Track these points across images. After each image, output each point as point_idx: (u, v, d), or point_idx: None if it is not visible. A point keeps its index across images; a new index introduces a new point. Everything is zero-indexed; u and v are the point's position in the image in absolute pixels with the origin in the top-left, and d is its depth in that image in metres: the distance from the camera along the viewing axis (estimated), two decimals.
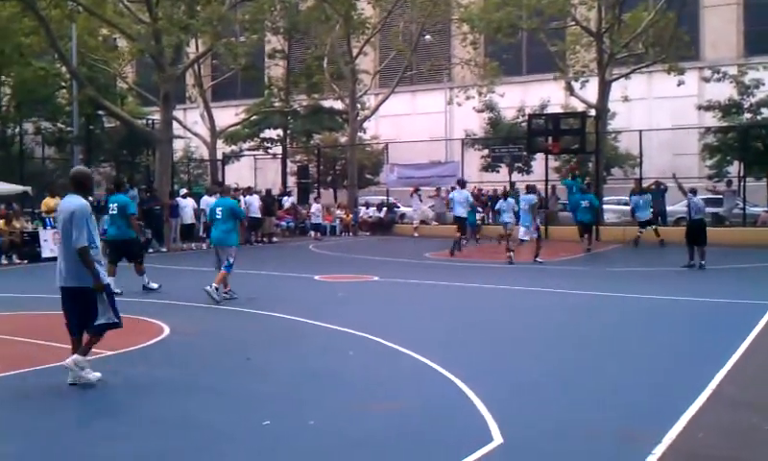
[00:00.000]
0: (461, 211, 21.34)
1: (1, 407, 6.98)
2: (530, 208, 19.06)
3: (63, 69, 28.59)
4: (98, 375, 7.41)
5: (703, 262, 17.40)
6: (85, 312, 7.29)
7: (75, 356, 7.27)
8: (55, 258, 20.35)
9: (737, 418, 6.47)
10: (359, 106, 36.39)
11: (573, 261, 20.18)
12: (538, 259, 18.93)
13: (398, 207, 33.97)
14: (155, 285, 14.44)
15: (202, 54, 30.94)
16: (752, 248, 22.55)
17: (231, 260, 12.97)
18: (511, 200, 21.05)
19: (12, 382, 7.70)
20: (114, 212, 13.85)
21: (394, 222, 32.13)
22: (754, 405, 6.81)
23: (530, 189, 20.29)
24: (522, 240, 19.14)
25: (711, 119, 32.52)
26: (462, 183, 22.20)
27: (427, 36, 38.27)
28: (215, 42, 27.22)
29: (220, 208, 13.25)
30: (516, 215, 20.34)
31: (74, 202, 7.28)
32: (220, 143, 37.04)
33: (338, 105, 37.75)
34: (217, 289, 12.62)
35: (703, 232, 17.75)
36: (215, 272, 13.12)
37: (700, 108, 32.96)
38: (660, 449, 5.53)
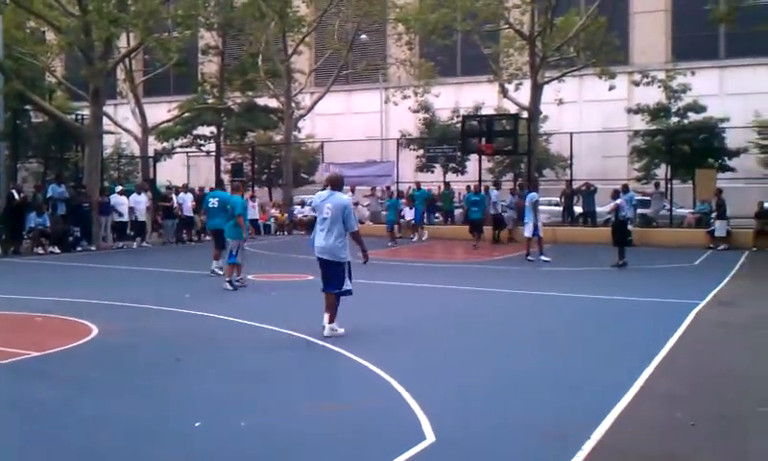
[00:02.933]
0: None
1: None
2: (532, 206, 19.48)
3: None
4: (341, 332, 9.60)
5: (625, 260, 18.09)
6: (332, 278, 9.62)
7: (330, 324, 9.60)
8: None
9: (665, 413, 6.60)
10: (294, 104, 36.19)
11: (507, 261, 20.41)
12: (529, 257, 19.50)
13: None
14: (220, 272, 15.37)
15: (132, 48, 30.34)
16: (678, 248, 23.14)
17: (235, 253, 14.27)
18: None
19: None
20: (215, 206, 15.28)
21: None
22: (680, 401, 6.97)
23: (533, 187, 20.90)
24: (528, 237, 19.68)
25: (640, 122, 33.35)
26: (625, 188, 20.96)
27: (363, 36, 38.27)
28: (146, 37, 26.71)
29: (215, 199, 14.73)
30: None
31: (344, 198, 9.90)
32: (152, 140, 36.38)
33: (273, 103, 37.48)
34: (230, 281, 14.15)
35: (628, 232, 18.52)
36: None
37: (629, 111, 33.77)
38: (588, 446, 5.62)
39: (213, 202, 15.60)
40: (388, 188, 31.79)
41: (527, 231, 19.62)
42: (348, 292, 9.74)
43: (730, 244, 23.42)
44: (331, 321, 9.63)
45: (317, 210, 10.00)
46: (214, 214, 15.52)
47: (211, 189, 16.80)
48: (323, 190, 10.30)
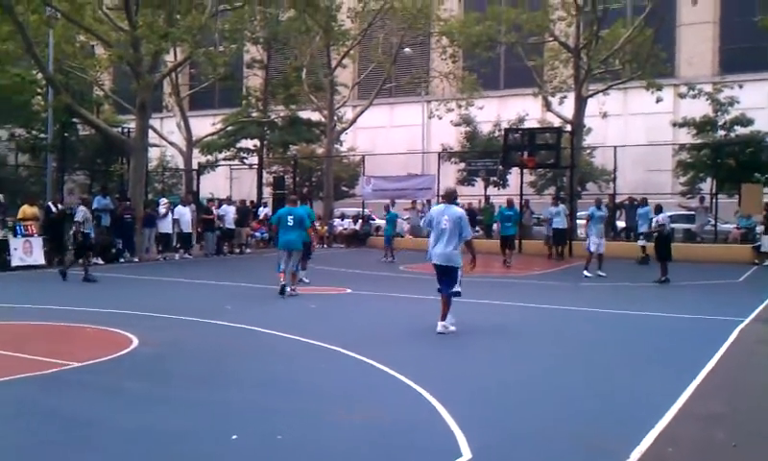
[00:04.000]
0: None
1: None
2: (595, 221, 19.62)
3: (39, 76, 28.31)
4: (453, 329, 10.94)
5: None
6: (448, 281, 10.91)
7: (442, 322, 10.93)
8: (24, 267, 20.27)
9: (706, 433, 6.48)
10: (337, 117, 36.36)
11: (546, 275, 20.23)
12: (599, 272, 19.17)
13: (374, 220, 33.93)
14: (306, 280, 16.71)
15: (180, 62, 30.80)
16: (723, 264, 22.72)
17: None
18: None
19: None
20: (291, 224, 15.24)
21: (369, 234, 32.06)
22: (722, 421, 6.83)
23: (597, 203, 20.45)
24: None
25: (686, 136, 32.86)
26: (644, 201, 21.85)
27: (407, 49, 38.34)
28: (194, 51, 27.09)
29: (291, 216, 15.14)
30: None
31: (459, 210, 11.26)
32: (196, 153, 36.85)
33: (316, 116, 37.71)
34: (294, 289, 15.06)
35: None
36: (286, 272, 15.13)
37: (675, 124, 33.30)
38: None
39: (290, 220, 15.28)
40: (428, 202, 31.78)
41: (592, 246, 19.34)
42: (458, 293, 10.97)
43: None
44: (443, 319, 10.94)
45: (434, 222, 11.13)
46: (291, 230, 15.26)
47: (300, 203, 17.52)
48: (438, 204, 11.81)
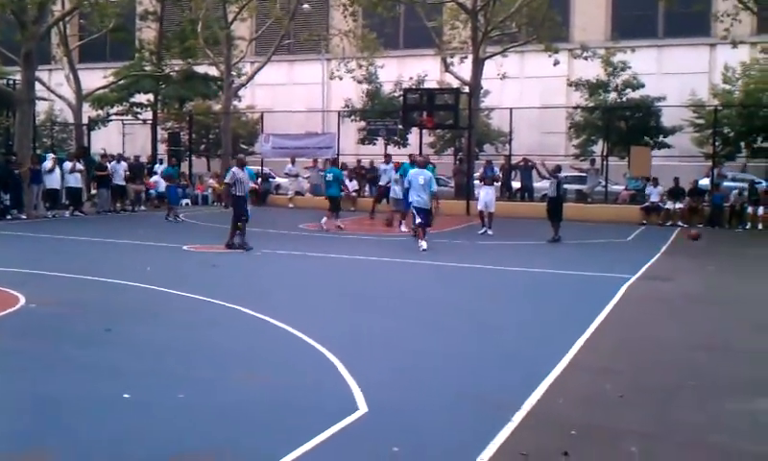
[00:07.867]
0: None
1: None
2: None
3: None
4: (425, 245, 15.72)
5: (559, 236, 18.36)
6: (425, 217, 16.07)
7: (424, 241, 15.82)
8: None
9: (594, 385, 6.72)
10: (234, 73, 35.59)
11: (446, 234, 20.47)
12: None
13: (273, 178, 33.56)
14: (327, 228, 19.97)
15: (66, 12, 29.40)
16: (612, 224, 23.52)
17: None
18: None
19: None
20: (331, 179, 20.93)
21: (268, 192, 31.70)
22: (610, 373, 7.10)
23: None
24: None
25: (579, 99, 33.72)
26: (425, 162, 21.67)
27: (305, 6, 37.73)
28: (81, 1, 25.93)
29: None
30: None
31: (427, 173, 16.58)
32: (86, 107, 35.41)
33: (213, 71, 36.80)
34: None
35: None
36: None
37: (570, 84, 34.05)
38: (519, 416, 5.70)
39: (329, 176, 20.96)
40: (329, 160, 31.55)
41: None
42: (430, 224, 16.43)
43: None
44: (423, 238, 15.86)
45: (413, 180, 16.23)
46: (330, 185, 20.85)
47: (330, 166, 22.40)
48: (414, 169, 16.93)
